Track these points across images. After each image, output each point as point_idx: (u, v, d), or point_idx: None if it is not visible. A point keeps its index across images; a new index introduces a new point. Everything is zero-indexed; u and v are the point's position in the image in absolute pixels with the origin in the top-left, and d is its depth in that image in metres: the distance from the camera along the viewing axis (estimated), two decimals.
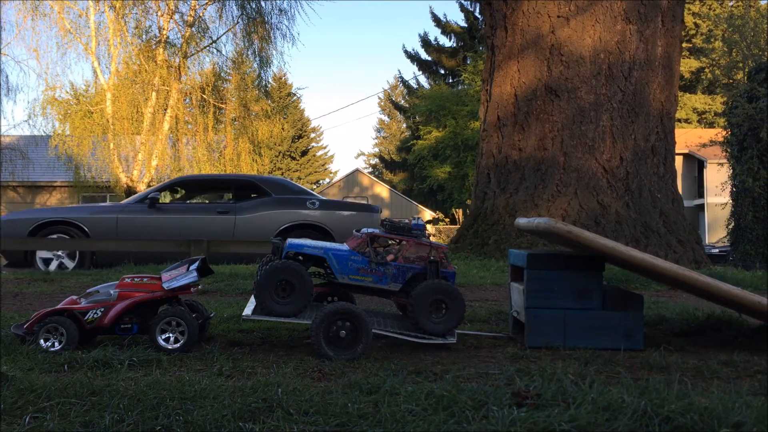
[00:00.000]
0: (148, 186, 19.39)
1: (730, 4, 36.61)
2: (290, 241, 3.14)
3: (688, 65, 35.86)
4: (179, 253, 6.61)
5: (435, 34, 79.09)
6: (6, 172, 22.77)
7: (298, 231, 7.73)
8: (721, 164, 22.18)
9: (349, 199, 35.30)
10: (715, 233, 27.95)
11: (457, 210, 29.44)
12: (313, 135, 55.32)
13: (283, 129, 27.46)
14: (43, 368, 2.54)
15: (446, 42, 40.01)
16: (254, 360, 2.80)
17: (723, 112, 21.41)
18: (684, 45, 29.79)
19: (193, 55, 21.51)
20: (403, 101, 50.49)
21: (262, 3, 21.21)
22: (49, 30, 21.07)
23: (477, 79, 30.33)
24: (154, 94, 20.55)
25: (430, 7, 72.52)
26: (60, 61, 27.54)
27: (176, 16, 21.14)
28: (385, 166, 52.86)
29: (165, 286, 3.05)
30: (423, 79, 42.82)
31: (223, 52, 23.01)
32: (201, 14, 21.34)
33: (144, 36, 20.68)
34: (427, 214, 38.29)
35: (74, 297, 3.19)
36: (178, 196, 9.14)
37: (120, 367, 2.55)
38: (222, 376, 2.50)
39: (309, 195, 8.15)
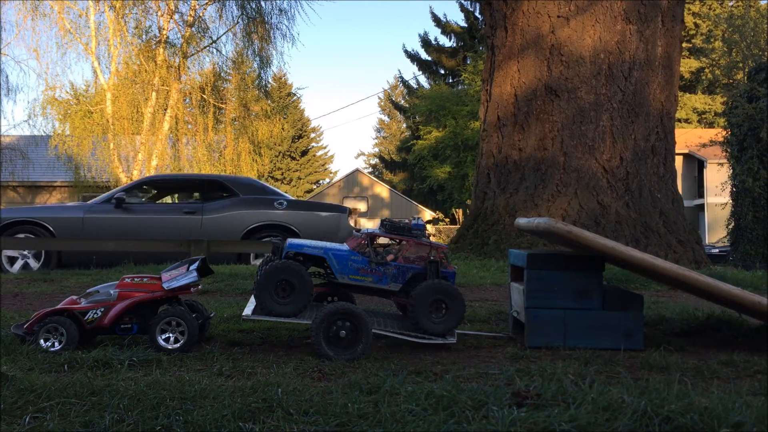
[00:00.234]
0: None
1: (730, 4, 36.61)
2: (290, 241, 3.14)
3: (688, 65, 35.85)
4: (177, 253, 6.63)
5: (435, 34, 79.14)
6: (6, 172, 22.78)
7: (266, 231, 7.75)
8: (721, 164, 22.19)
9: (348, 200, 35.34)
10: (715, 233, 27.95)
11: (457, 210, 29.44)
12: (313, 135, 55.33)
13: (283, 129, 27.46)
14: (43, 368, 2.54)
15: (446, 42, 40.03)
16: (254, 360, 2.80)
17: (723, 112, 21.43)
18: (684, 45, 29.82)
19: (193, 55, 21.52)
20: (403, 101, 50.50)
21: (262, 3, 21.23)
22: (49, 30, 21.11)
23: (477, 79, 30.33)
24: (154, 94, 20.55)
25: (430, 7, 72.55)
26: (60, 61, 27.62)
27: (176, 16, 21.16)
28: (385, 166, 52.86)
29: (165, 286, 3.05)
30: (423, 79, 42.85)
31: (223, 52, 23.06)
32: (201, 14, 21.36)
33: (144, 36, 20.70)
34: (427, 214, 38.29)
35: (74, 297, 3.19)
36: (149, 196, 9.11)
37: (120, 367, 2.55)
38: (222, 376, 2.50)
39: (277, 195, 8.15)
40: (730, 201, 17.27)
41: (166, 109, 20.92)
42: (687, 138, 30.50)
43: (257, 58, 21.74)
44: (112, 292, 3.08)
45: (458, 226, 17.89)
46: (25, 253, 7.55)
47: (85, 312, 2.99)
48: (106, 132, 20.64)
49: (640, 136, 7.91)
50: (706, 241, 26.22)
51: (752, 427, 1.85)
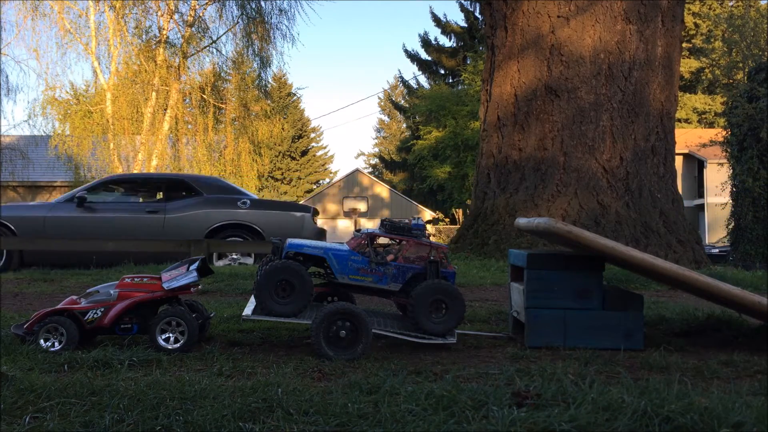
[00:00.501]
0: None
1: (730, 4, 36.61)
2: (290, 241, 3.14)
3: (688, 65, 35.86)
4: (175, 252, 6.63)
5: (435, 34, 79.07)
6: (6, 172, 22.79)
7: (229, 231, 7.77)
8: (721, 164, 22.18)
9: (348, 200, 35.32)
10: (715, 233, 27.95)
11: (457, 210, 29.45)
12: (313, 135, 55.33)
13: (283, 129, 27.48)
14: (43, 368, 2.54)
15: (446, 42, 40.05)
16: (254, 360, 2.80)
17: (723, 112, 21.43)
18: (684, 45, 29.79)
19: (193, 55, 21.52)
20: (403, 101, 50.50)
21: (262, 3, 21.24)
22: (49, 30, 21.12)
23: (477, 79, 30.33)
24: (154, 94, 20.55)
25: (430, 7, 72.56)
26: (60, 61, 27.60)
27: (176, 16, 21.16)
28: (385, 166, 52.86)
29: (165, 286, 3.05)
30: (423, 79, 42.87)
31: (223, 52, 23.06)
32: (201, 14, 21.36)
33: (144, 36, 20.71)
34: (427, 214, 38.29)
35: (74, 297, 3.19)
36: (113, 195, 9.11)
37: (120, 367, 2.54)
38: (222, 376, 2.50)
39: (241, 194, 8.17)
40: (730, 201, 17.27)
41: (166, 109, 20.92)
42: (687, 138, 30.51)
43: (257, 58, 21.76)
44: (112, 292, 3.08)
45: (458, 226, 17.89)
46: None
47: (85, 312, 2.99)
48: (106, 132, 20.65)
49: (640, 136, 7.91)
50: (706, 241, 26.22)
51: (752, 427, 1.85)
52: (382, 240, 3.27)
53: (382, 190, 41.48)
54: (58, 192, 25.55)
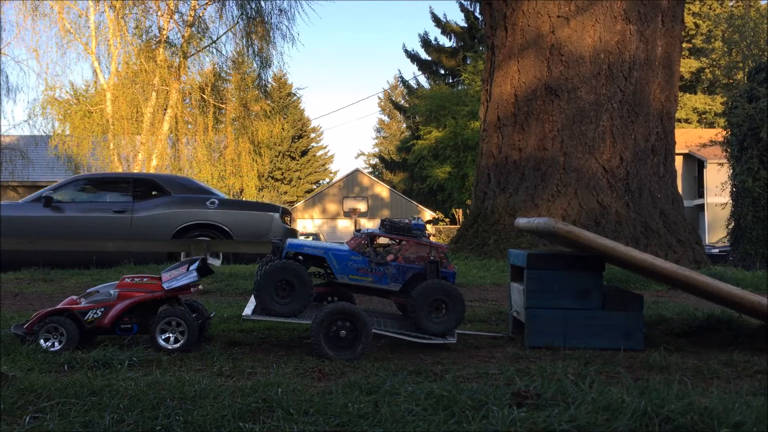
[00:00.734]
0: None
1: (730, 4, 36.61)
2: (290, 241, 3.14)
3: (688, 65, 35.87)
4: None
5: (435, 34, 79.16)
6: (6, 172, 22.79)
7: (197, 231, 7.76)
8: (721, 164, 22.19)
9: (348, 200, 35.32)
10: (715, 233, 27.95)
11: (457, 210, 29.43)
12: (313, 135, 55.34)
13: (283, 129, 27.49)
14: (43, 368, 2.54)
15: (446, 42, 40.07)
16: (254, 360, 2.79)
17: (723, 112, 21.43)
18: (684, 45, 29.77)
19: (193, 55, 21.52)
20: (403, 101, 50.53)
21: (262, 3, 21.24)
22: (49, 30, 21.13)
23: (477, 79, 30.33)
24: (154, 94, 20.55)
25: (430, 7, 72.60)
26: (60, 61, 27.63)
27: (176, 16, 21.16)
28: (385, 166, 52.87)
29: (165, 286, 3.05)
30: (423, 79, 42.89)
31: (223, 52, 23.06)
32: (201, 14, 21.36)
33: (144, 36, 20.71)
34: (427, 214, 38.29)
35: (74, 297, 3.19)
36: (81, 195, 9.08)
37: (120, 367, 2.54)
38: (222, 376, 2.50)
39: (210, 194, 8.16)
40: (730, 201, 17.29)
41: (166, 109, 20.92)
42: (687, 138, 30.50)
43: (257, 58, 21.77)
44: (112, 292, 3.08)
45: (458, 226, 17.89)
46: None
47: (85, 312, 2.99)
48: (106, 132, 20.64)
49: (640, 136, 7.91)
50: (706, 241, 26.21)
51: (752, 427, 1.85)
52: (382, 240, 3.27)
53: (382, 190, 41.50)
54: None
